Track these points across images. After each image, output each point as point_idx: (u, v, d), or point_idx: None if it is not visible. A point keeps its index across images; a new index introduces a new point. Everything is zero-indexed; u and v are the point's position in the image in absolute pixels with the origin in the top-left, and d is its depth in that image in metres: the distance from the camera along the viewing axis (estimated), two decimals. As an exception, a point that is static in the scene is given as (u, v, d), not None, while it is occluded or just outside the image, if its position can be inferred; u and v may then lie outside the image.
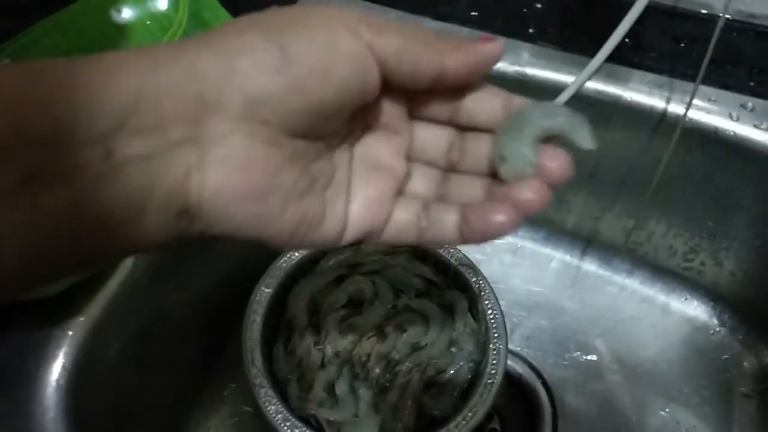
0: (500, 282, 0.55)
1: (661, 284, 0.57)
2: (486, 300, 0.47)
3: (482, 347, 0.46)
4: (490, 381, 0.44)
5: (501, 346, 0.45)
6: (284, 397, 0.44)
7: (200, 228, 0.20)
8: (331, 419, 0.44)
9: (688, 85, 0.44)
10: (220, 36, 0.20)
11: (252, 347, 0.44)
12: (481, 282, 0.48)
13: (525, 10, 0.51)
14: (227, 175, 0.20)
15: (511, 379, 0.53)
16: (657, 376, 0.52)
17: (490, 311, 0.47)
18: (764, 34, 0.49)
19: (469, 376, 0.46)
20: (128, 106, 0.18)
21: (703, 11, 0.48)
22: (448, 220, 0.24)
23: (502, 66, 0.48)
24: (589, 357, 0.54)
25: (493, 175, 0.25)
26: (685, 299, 0.56)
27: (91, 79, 0.18)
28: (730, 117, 0.45)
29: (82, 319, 0.36)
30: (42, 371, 0.35)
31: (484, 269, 0.47)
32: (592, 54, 0.46)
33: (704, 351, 0.54)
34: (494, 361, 0.45)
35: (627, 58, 0.47)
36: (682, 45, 0.48)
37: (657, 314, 0.56)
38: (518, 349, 0.54)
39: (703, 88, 0.46)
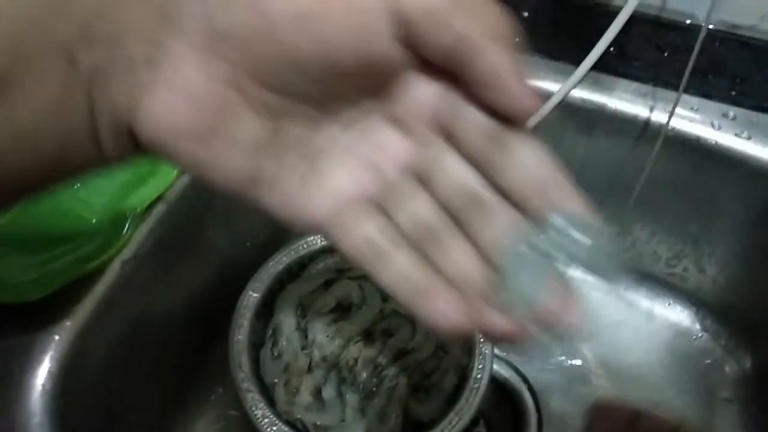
0: (487, 287, 0.55)
1: (645, 290, 0.58)
2: (472, 305, 0.48)
3: (468, 352, 0.46)
4: (476, 385, 0.44)
5: (487, 351, 0.45)
6: (271, 402, 0.44)
7: (146, 150, 0.19)
8: (318, 423, 0.44)
9: (672, 94, 0.45)
10: None
11: (239, 351, 0.45)
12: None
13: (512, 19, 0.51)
14: (171, 104, 0.18)
15: (497, 384, 0.54)
16: (640, 380, 0.53)
17: (476, 316, 0.47)
18: (746, 45, 0.49)
19: (456, 381, 0.46)
20: (92, 10, 0.17)
21: (687, 21, 0.49)
22: (398, 271, 0.20)
23: (489, 73, 0.49)
24: (574, 362, 0.54)
25: None
26: (669, 305, 0.57)
27: None
28: (712, 126, 0.46)
29: (68, 323, 0.36)
30: (27, 375, 0.34)
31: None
32: (577, 63, 0.47)
33: (687, 356, 0.55)
34: (480, 366, 0.45)
35: (612, 66, 0.48)
36: (666, 54, 0.49)
37: (641, 319, 0.57)
38: (504, 353, 0.55)
39: (686, 97, 0.46)
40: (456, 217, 0.20)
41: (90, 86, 0.17)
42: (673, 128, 0.46)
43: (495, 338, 0.19)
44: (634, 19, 0.44)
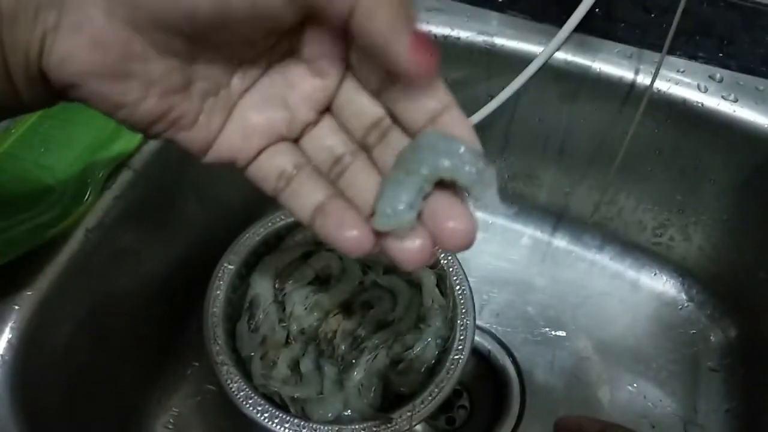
0: (470, 258, 0.54)
1: (631, 260, 0.57)
2: (454, 276, 0.47)
3: (450, 323, 0.45)
4: (457, 357, 0.43)
5: (468, 322, 0.45)
6: (248, 375, 0.43)
7: (60, 93, 0.20)
8: (295, 396, 0.43)
9: (658, 56, 0.44)
10: None
11: (214, 324, 0.43)
12: (449, 258, 0.47)
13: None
14: (76, 46, 0.19)
15: (480, 356, 0.53)
16: (625, 351, 0.52)
17: (458, 287, 0.46)
18: (734, 6, 0.48)
19: (437, 353, 0.45)
20: None
21: (674, -18, 0.48)
22: (307, 199, 0.22)
23: (470, 35, 0.47)
24: (558, 333, 0.53)
25: None
26: (654, 274, 0.56)
27: None
28: (699, 88, 0.44)
29: (29, 293, 0.35)
30: (-14, 346, 0.33)
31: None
32: (561, 24, 0.45)
33: (672, 326, 0.54)
34: (461, 337, 0.44)
35: (597, 28, 0.46)
36: (653, 15, 0.48)
37: (626, 290, 0.56)
38: (488, 325, 0.54)
39: (673, 59, 0.45)
40: (363, 145, 0.23)
41: None
42: (659, 90, 0.44)
43: (394, 257, 0.20)
44: (619, -23, 0.42)
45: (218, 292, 0.45)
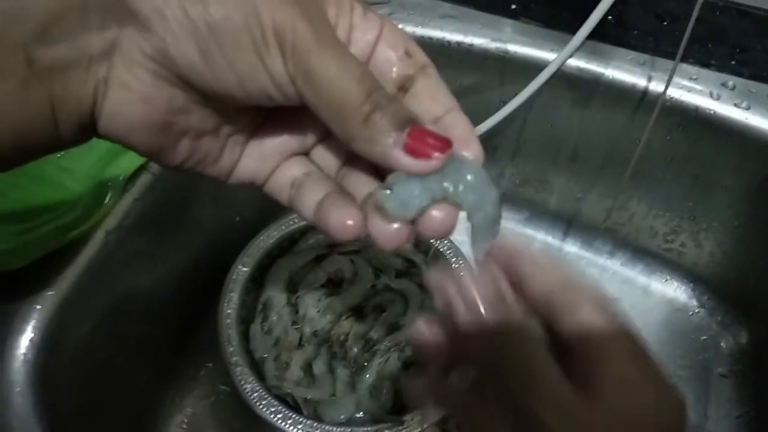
0: (481, 263, 0.54)
1: (642, 265, 0.57)
2: (466, 279, 0.47)
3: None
4: (468, 360, 0.44)
5: (480, 325, 0.45)
6: (261, 377, 0.43)
7: (100, 136, 0.21)
8: (308, 398, 0.44)
9: (670, 64, 0.44)
10: None
11: (228, 326, 0.44)
12: (461, 262, 0.48)
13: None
14: (127, 101, 0.20)
15: (491, 360, 0.53)
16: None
17: (469, 291, 0.47)
18: (746, 13, 0.48)
19: (448, 356, 0.46)
20: (50, 12, 0.18)
21: (687, -11, 0.48)
22: (311, 197, 0.23)
23: (483, 42, 0.47)
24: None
25: None
26: (666, 280, 0.56)
27: None
28: (711, 96, 0.45)
29: (50, 293, 0.36)
30: (9, 345, 0.34)
31: (466, 250, 0.47)
32: (574, 31, 0.46)
33: (683, 332, 0.54)
34: (473, 340, 0.44)
35: (610, 35, 0.47)
36: (665, 23, 0.48)
37: (637, 295, 0.56)
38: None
39: (685, 67, 0.45)
40: None
41: (50, 82, 0.19)
42: (672, 98, 0.45)
43: (383, 241, 0.21)
44: (632, -15, 0.43)
45: (232, 294, 0.45)
